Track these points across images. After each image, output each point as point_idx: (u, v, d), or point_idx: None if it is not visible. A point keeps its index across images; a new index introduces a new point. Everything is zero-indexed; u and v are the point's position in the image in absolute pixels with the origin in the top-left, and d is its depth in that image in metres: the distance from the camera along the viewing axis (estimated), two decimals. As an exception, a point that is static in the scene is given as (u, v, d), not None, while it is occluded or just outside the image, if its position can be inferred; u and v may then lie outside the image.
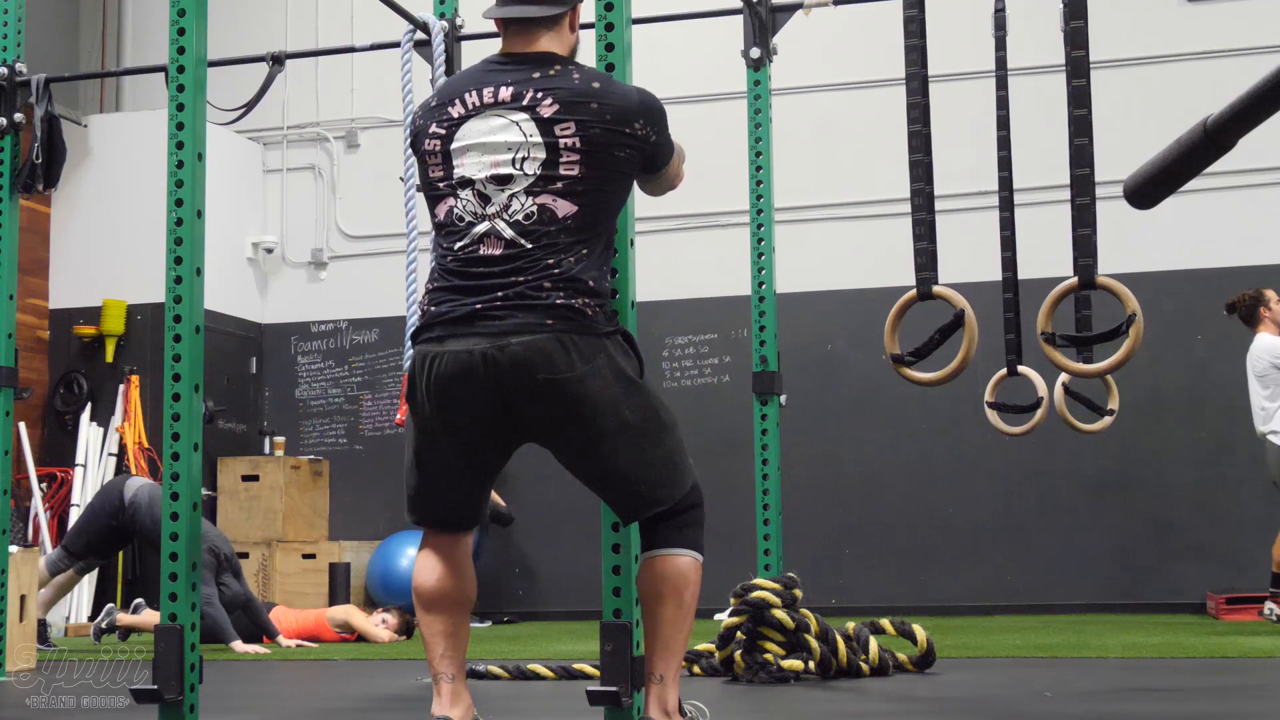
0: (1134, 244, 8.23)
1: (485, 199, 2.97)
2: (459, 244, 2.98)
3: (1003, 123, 5.28)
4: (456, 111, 3.03)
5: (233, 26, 9.89)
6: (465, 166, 3.00)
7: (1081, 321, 5.01)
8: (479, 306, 2.91)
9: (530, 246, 2.93)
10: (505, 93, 3.00)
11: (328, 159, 10.44)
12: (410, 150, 3.20)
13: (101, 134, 9.83)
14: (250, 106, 5.57)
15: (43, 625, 7.16)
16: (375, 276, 9.90)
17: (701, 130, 9.42)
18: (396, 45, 5.13)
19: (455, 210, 3.00)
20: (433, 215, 3.09)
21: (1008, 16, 5.22)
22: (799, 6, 5.46)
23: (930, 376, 4.45)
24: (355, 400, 10.14)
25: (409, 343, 4.83)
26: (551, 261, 2.92)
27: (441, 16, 5.01)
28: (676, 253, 9.40)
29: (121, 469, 9.12)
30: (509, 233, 2.94)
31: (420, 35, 5.06)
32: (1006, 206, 5.35)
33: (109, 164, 9.71)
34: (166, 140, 3.45)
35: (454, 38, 5.05)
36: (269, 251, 10.33)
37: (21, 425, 8.86)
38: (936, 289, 4.42)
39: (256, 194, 10.40)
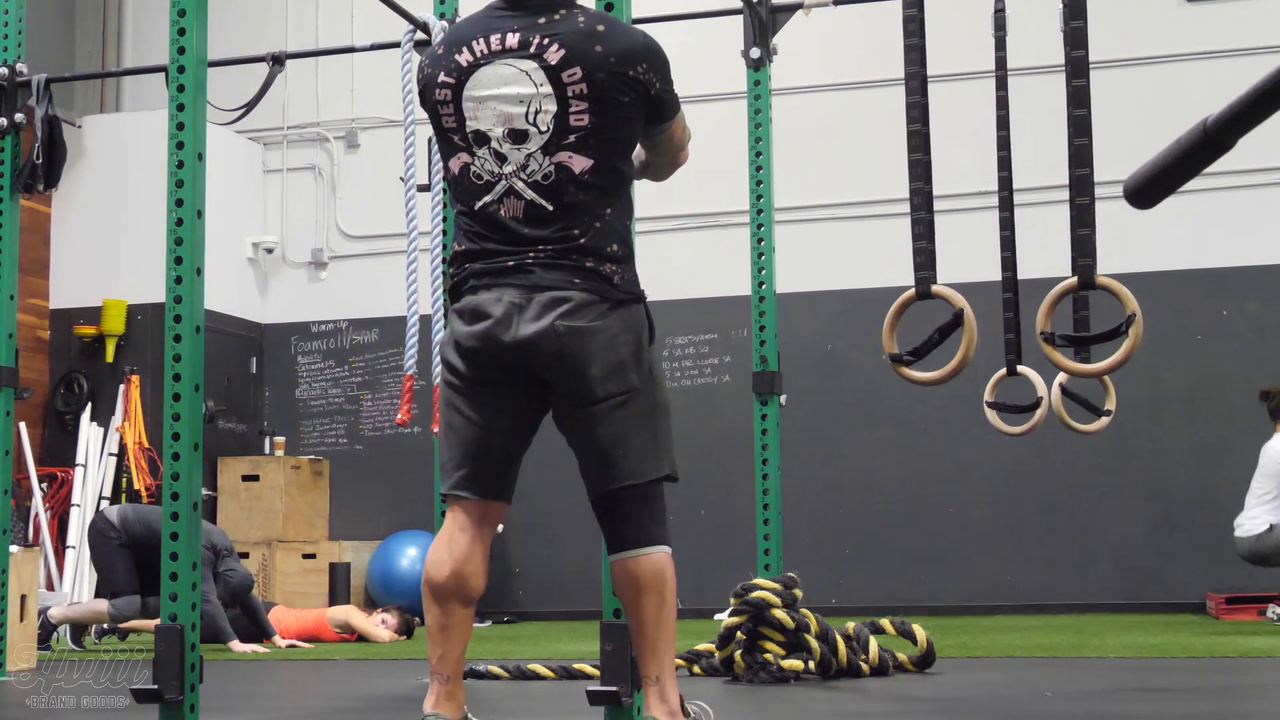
0: (1134, 244, 8.23)
1: (502, 158, 2.97)
2: (478, 203, 2.99)
3: (1003, 123, 5.27)
4: (465, 59, 3.02)
5: (233, 26, 9.89)
6: (479, 120, 2.99)
7: (1080, 321, 5.01)
8: (511, 264, 2.95)
9: (552, 209, 2.95)
10: (512, 39, 2.99)
11: (328, 159, 10.44)
12: (419, 102, 3.18)
13: (99, 134, 9.83)
14: (250, 106, 5.57)
15: (82, 630, 7.17)
16: (375, 276, 9.90)
17: (701, 130, 9.39)
18: (396, 45, 5.14)
19: (472, 168, 3.00)
20: (446, 169, 3.08)
21: (1008, 16, 5.22)
22: (799, 6, 5.46)
23: (929, 376, 4.44)
24: (355, 400, 10.14)
25: (409, 347, 4.86)
26: (577, 231, 2.94)
27: (441, 16, 5.02)
28: (676, 253, 9.40)
29: (122, 469, 9.14)
30: (529, 194, 2.95)
31: (420, 35, 5.06)
32: (1006, 206, 5.35)
33: (109, 164, 9.71)
34: (166, 140, 3.45)
35: (454, 38, 5.04)
36: (269, 251, 10.33)
37: (22, 425, 8.86)
38: (935, 288, 4.41)
39: (256, 194, 10.40)
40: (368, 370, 10.15)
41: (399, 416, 4.78)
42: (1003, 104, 5.26)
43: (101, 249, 9.64)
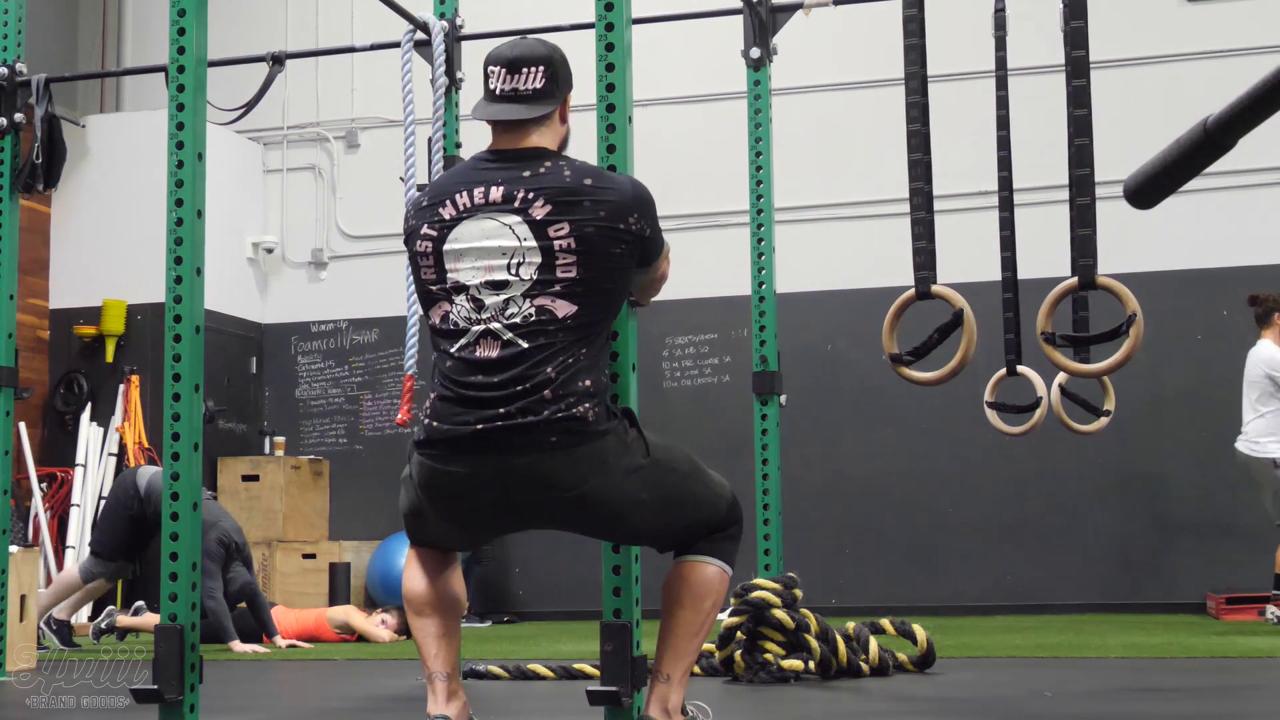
0: (1134, 244, 8.22)
1: (480, 304, 2.94)
2: (455, 346, 2.96)
3: (1003, 123, 5.27)
4: (448, 213, 2.99)
5: (233, 26, 9.88)
6: (460, 272, 2.96)
7: (1080, 322, 5.01)
8: (480, 427, 2.88)
9: (527, 346, 2.89)
10: (496, 193, 2.95)
11: (328, 159, 10.44)
12: (405, 245, 3.15)
13: (100, 134, 9.83)
14: (250, 106, 5.56)
15: (66, 626, 7.17)
16: (375, 276, 9.90)
17: (702, 130, 9.43)
18: (396, 45, 5.14)
19: (451, 315, 2.98)
20: (428, 317, 3.06)
21: (1008, 16, 5.22)
22: (799, 6, 5.46)
23: (929, 376, 4.44)
24: (355, 400, 10.14)
25: (410, 347, 4.85)
26: (550, 370, 2.88)
27: (441, 16, 5.02)
28: (676, 253, 9.31)
29: (122, 469, 9.11)
30: (506, 334, 2.91)
31: (420, 35, 5.06)
32: (1006, 206, 5.35)
33: (109, 164, 9.71)
34: (166, 140, 3.45)
35: (454, 38, 5.06)
36: (269, 251, 10.33)
37: (22, 425, 8.86)
38: (935, 288, 4.41)
39: (256, 194, 10.40)
40: (368, 370, 10.15)
41: (399, 416, 4.78)
42: (1003, 104, 5.25)
43: (101, 249, 9.64)
